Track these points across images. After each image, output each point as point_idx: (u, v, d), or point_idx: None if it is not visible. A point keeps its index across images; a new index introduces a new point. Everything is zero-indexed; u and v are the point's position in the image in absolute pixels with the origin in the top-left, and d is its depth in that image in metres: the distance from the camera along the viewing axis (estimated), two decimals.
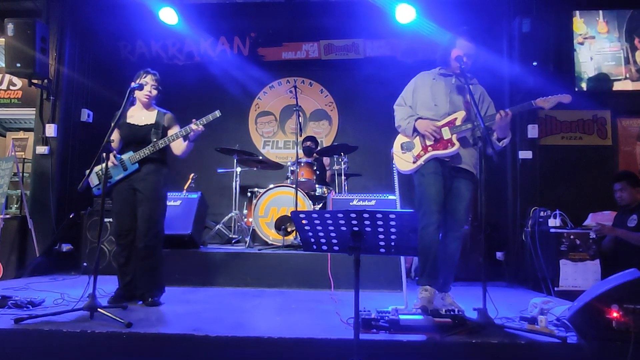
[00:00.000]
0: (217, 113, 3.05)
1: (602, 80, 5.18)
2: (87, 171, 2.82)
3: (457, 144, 2.86)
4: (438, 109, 2.95)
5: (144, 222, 3.03)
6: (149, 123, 3.13)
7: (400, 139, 3.11)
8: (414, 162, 2.96)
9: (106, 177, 2.92)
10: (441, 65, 3.07)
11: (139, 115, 3.16)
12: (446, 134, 2.90)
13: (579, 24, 5.27)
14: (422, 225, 2.82)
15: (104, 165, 2.93)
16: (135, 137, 3.10)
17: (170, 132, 3.15)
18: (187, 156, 3.22)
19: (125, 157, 3.07)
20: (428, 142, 2.94)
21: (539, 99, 2.79)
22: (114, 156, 3.05)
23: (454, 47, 2.93)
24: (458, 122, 2.90)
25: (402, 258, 3.12)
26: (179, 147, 3.15)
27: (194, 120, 3.02)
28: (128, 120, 3.14)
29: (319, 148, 5.70)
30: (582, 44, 5.23)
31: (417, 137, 3.00)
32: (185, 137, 3.09)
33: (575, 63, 5.21)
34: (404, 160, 3.02)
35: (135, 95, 3.12)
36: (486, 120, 2.84)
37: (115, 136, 3.17)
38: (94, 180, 3.15)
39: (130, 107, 3.20)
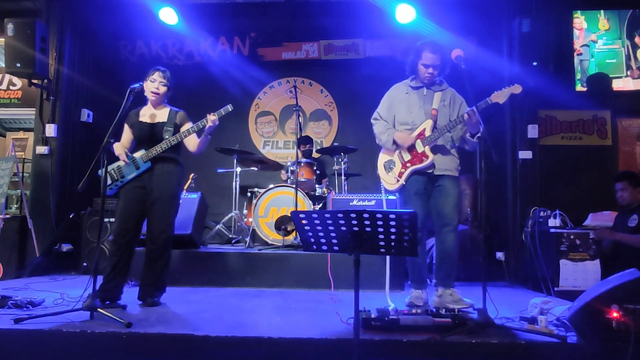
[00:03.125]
0: (229, 107, 3.05)
1: (601, 79, 5.18)
2: (99, 171, 2.81)
3: (431, 155, 2.99)
4: (414, 123, 3.07)
5: (156, 223, 3.00)
6: (160, 121, 3.11)
7: (382, 159, 3.22)
8: (397, 182, 3.10)
9: (106, 177, 2.91)
10: (411, 75, 3.18)
11: (150, 113, 3.15)
12: (419, 146, 3.02)
13: (581, 22, 5.27)
14: None
15: (113, 164, 2.91)
16: (147, 135, 3.07)
17: (183, 130, 3.11)
18: (200, 153, 3.19)
19: (137, 155, 3.05)
20: (406, 158, 3.07)
21: (493, 94, 2.88)
22: (126, 155, 3.04)
23: (420, 58, 3.02)
24: (427, 133, 3.01)
25: (388, 258, 3.16)
26: (193, 143, 3.13)
27: (208, 114, 3.00)
28: (140, 119, 3.12)
29: (316, 146, 5.69)
30: (587, 45, 5.23)
31: (397, 154, 3.12)
32: (199, 133, 3.07)
33: (578, 62, 5.22)
34: (387, 182, 3.18)
35: (145, 94, 3.11)
36: (455, 123, 2.95)
37: (127, 136, 3.18)
38: (107, 179, 3.08)
39: (143, 106, 3.20)
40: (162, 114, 3.15)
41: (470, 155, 3.46)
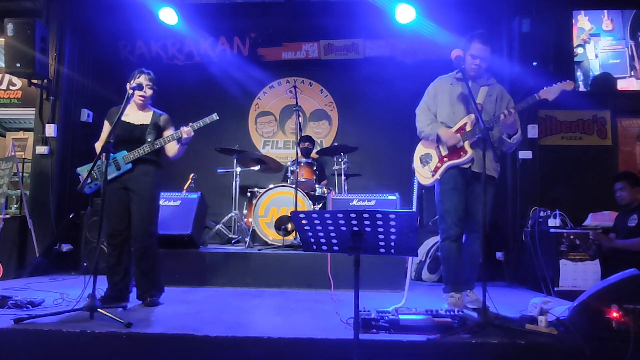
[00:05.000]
0: (215, 116, 3.07)
1: (605, 80, 5.18)
2: (85, 169, 2.79)
3: (470, 151, 2.88)
4: (456, 116, 2.97)
5: (138, 223, 3.02)
6: (144, 123, 3.12)
7: (419, 151, 3.12)
8: (432, 176, 3.00)
9: (106, 177, 2.90)
10: (458, 69, 3.04)
11: (135, 114, 3.15)
12: (459, 141, 2.92)
13: (584, 22, 5.28)
14: (442, 237, 2.95)
15: (99, 164, 2.91)
16: (130, 136, 3.07)
17: (166, 134, 3.15)
18: (182, 157, 3.21)
19: (118, 156, 3.04)
20: (443, 152, 2.96)
21: (541, 90, 2.78)
22: (108, 154, 3.03)
23: (469, 50, 2.92)
24: (468, 127, 2.90)
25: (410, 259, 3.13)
26: (172, 149, 3.16)
27: (190, 123, 3.03)
28: (123, 119, 3.10)
29: (316, 147, 5.70)
30: (587, 42, 5.24)
31: (435, 147, 3.01)
32: (178, 140, 3.10)
33: (579, 61, 5.23)
34: (423, 176, 3.07)
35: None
36: (494, 121, 2.86)
37: (107, 134, 3.14)
38: (84, 176, 3.06)
39: (126, 105, 3.19)
40: (145, 116, 3.16)
41: None
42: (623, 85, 5.20)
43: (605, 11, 5.27)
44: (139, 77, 3.11)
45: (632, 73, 5.20)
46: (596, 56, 5.25)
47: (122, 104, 2.87)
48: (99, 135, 3.25)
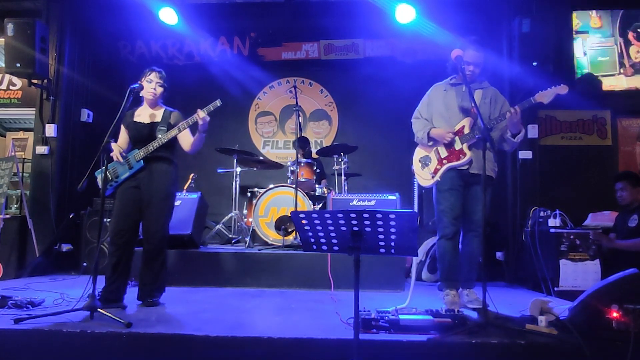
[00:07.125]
0: (218, 102, 3.01)
1: (590, 80, 5.17)
2: (96, 172, 2.79)
3: (469, 153, 2.96)
4: (452, 120, 3.04)
5: (151, 224, 3.00)
6: (155, 121, 3.11)
7: (418, 154, 3.21)
8: (432, 178, 3.08)
9: (106, 177, 2.91)
10: (453, 74, 3.13)
11: (146, 113, 3.15)
12: (457, 144, 3.00)
13: (573, 19, 5.27)
14: (439, 235, 3.03)
15: (107, 165, 2.92)
16: (141, 134, 3.07)
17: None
18: (195, 152, 3.16)
19: (130, 155, 3.06)
20: (442, 155, 3.04)
21: (537, 94, 2.85)
22: (121, 155, 3.04)
23: (463, 56, 2.96)
24: (466, 130, 2.98)
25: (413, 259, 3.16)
26: (187, 141, 3.11)
27: (198, 110, 2.97)
28: (135, 119, 3.13)
29: (315, 147, 5.68)
30: (574, 38, 5.23)
31: (433, 150, 3.10)
32: (192, 129, 3.06)
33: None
34: (422, 178, 3.16)
35: (142, 94, 3.11)
36: (497, 121, 2.92)
37: (124, 137, 3.18)
38: (101, 179, 3.08)
39: (138, 107, 3.21)
40: (157, 114, 3.15)
41: None
42: (612, 83, 5.17)
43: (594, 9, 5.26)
44: (149, 74, 3.11)
45: (622, 70, 5.19)
46: (584, 54, 5.23)
47: (123, 104, 2.86)
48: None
